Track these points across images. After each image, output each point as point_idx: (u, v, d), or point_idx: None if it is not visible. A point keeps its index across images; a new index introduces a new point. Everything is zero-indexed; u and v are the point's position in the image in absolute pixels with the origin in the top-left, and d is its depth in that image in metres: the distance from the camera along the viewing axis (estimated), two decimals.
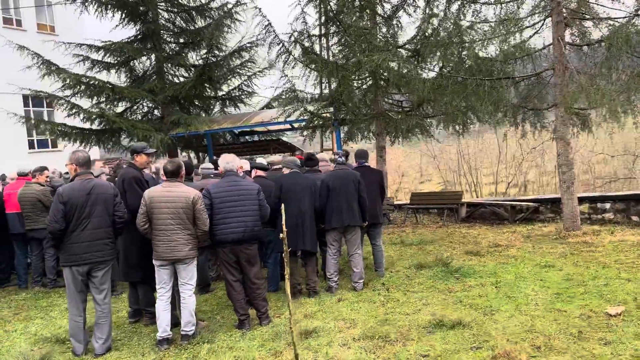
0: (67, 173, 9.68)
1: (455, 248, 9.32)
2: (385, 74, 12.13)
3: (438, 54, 11.93)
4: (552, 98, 10.58)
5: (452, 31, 11.64)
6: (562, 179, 9.79)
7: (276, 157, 8.37)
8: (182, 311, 5.24)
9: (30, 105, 19.28)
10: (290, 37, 13.65)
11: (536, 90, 10.83)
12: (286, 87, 14.11)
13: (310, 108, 12.29)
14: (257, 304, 5.68)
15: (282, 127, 15.69)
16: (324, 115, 12.41)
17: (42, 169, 8.54)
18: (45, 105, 17.47)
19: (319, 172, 7.39)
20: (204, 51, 15.46)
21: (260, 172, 7.19)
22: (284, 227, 4.15)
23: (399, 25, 13.90)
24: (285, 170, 6.81)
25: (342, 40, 13.38)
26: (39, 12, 20.03)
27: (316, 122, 12.35)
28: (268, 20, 13.94)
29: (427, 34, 12.74)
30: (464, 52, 11.42)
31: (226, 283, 5.64)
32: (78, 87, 14.90)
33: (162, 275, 5.22)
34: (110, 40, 15.27)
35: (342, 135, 14.30)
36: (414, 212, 13.82)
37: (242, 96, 17.09)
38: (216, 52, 15.98)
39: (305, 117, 12.26)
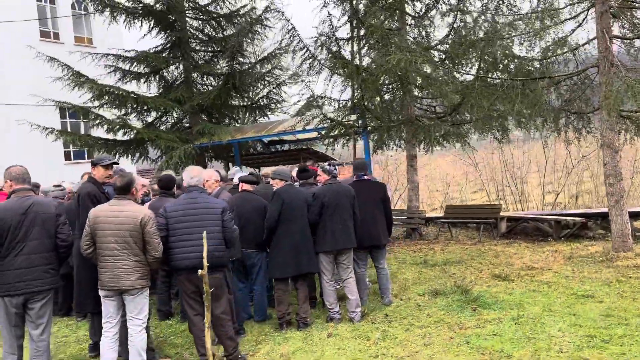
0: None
1: (482, 270, 8.24)
2: (414, 77, 11.18)
3: (474, 54, 10.88)
4: (598, 100, 9.32)
5: (489, 29, 10.58)
6: (610, 191, 8.51)
7: (270, 169, 7.61)
8: (130, 350, 4.53)
9: (67, 117, 19.45)
10: (316, 42, 12.92)
11: (580, 92, 9.59)
12: (306, 93, 13.35)
13: (331, 115, 11.46)
14: (224, 343, 4.90)
15: (308, 135, 14.95)
16: (347, 122, 11.55)
17: None
18: (82, 117, 17.44)
19: (315, 185, 6.57)
20: (229, 59, 14.94)
21: (247, 186, 6.41)
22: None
23: (432, 24, 12.94)
24: (279, 183, 6.02)
25: (369, 42, 12.52)
26: (76, 25, 20.27)
27: (338, 130, 11.51)
28: (291, 24, 13.28)
29: (460, 32, 11.74)
30: (499, 52, 10.32)
31: (187, 317, 4.90)
32: (105, 97, 14.73)
33: (107, 308, 4.55)
34: (134, 50, 15.03)
35: (370, 143, 13.43)
36: (448, 227, 12.70)
37: (271, 104, 16.49)
38: (242, 59, 15.46)
39: (325, 125, 11.43)
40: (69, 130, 13.83)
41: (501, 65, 10.49)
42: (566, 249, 9.48)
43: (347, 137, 12.00)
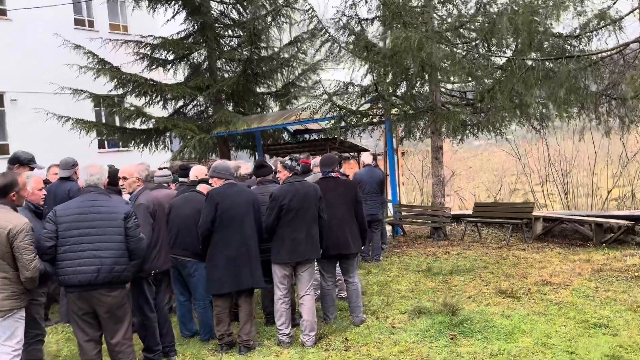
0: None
1: (489, 283, 7.09)
2: (436, 59, 10.00)
3: (508, 33, 9.58)
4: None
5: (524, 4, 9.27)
6: None
7: (234, 163, 6.73)
8: None
9: (101, 106, 19.44)
10: (337, 22, 11.91)
11: (622, 74, 8.12)
12: (328, 80, 12.37)
13: (339, 102, 10.45)
14: None
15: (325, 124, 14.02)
16: (361, 110, 10.52)
17: None
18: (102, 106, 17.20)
19: (274, 183, 5.69)
20: (248, 44, 14.18)
21: (203, 187, 5.57)
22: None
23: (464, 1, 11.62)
24: (217, 182, 5.18)
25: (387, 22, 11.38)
26: (111, 13, 20.18)
27: (349, 119, 10.49)
28: (309, 5, 12.36)
29: (490, 6, 10.47)
30: (539, 28, 8.98)
31: (77, 343, 4.19)
32: (129, 85, 14.41)
33: None
34: (160, 37, 14.59)
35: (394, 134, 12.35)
36: (476, 226, 11.45)
37: (297, 92, 15.64)
38: (264, 45, 14.69)
39: (335, 114, 10.43)
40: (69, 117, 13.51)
41: (535, 45, 9.17)
42: (600, 259, 8.10)
43: (360, 126, 10.96)
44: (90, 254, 3.97)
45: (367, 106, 10.62)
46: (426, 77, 10.30)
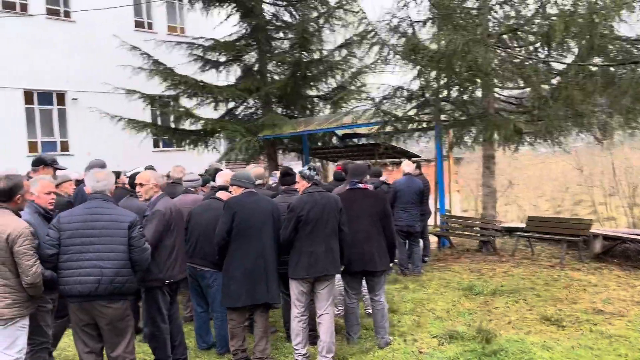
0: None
1: (533, 307, 6.52)
2: (487, 63, 9.44)
3: (572, 35, 8.94)
4: None
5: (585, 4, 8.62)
6: None
7: (256, 169, 6.40)
8: None
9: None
10: (388, 24, 11.54)
11: None
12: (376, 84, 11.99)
13: (384, 107, 10.03)
14: None
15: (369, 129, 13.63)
16: (408, 116, 10.09)
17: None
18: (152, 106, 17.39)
19: (296, 192, 5.41)
20: (297, 46, 14.01)
21: (223, 194, 5.36)
22: None
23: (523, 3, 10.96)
24: (237, 191, 4.96)
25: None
26: (170, 15, 20.59)
27: (392, 125, 10.07)
28: (358, 6, 12.06)
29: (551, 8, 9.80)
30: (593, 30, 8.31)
31: (78, 353, 4.06)
32: (181, 87, 14.57)
33: None
34: (212, 38, 14.69)
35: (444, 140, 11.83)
36: (528, 241, 10.74)
37: (347, 95, 15.32)
38: (313, 47, 14.48)
39: (378, 119, 10.04)
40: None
41: (596, 49, 8.47)
42: None
43: (407, 132, 10.51)
44: (91, 264, 3.83)
45: (413, 111, 10.17)
46: (477, 81, 9.73)
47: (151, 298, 4.58)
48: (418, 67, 9.34)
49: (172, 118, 14.29)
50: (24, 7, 16.77)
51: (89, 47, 17.64)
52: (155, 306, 4.58)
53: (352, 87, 15.27)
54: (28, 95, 16.92)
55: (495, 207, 11.14)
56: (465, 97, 10.39)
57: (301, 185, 5.06)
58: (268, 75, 15.17)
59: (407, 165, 8.85)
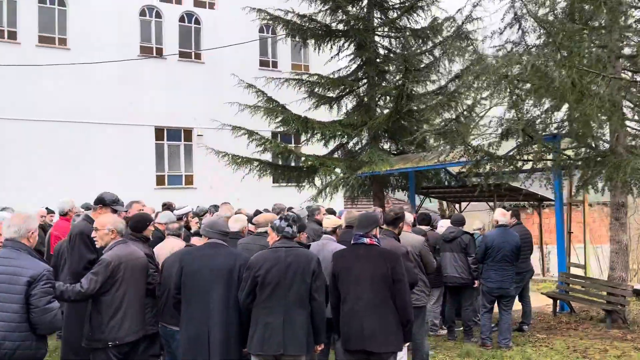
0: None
1: None
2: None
3: None
4: None
5: None
6: None
7: (264, 216, 5.48)
8: None
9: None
10: (499, 50, 10.19)
11: None
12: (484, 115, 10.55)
13: (475, 143, 8.60)
14: None
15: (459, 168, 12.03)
16: (505, 155, 8.55)
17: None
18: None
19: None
20: (401, 77, 13.04)
21: (196, 240, 4.63)
22: None
23: None
24: (198, 242, 4.22)
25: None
26: (294, 53, 20.90)
27: (488, 164, 8.58)
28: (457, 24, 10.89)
29: None
30: None
31: None
32: (291, 124, 14.38)
33: None
34: (314, 73, 14.46)
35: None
36: None
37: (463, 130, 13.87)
38: (423, 79, 13.44)
39: (470, 158, 8.61)
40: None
41: None
42: None
43: (510, 173, 8.92)
44: None
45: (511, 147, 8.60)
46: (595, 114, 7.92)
47: None
48: (510, 96, 7.82)
49: (273, 154, 14.10)
50: (159, 51, 18.15)
51: (215, 86, 18.49)
52: None
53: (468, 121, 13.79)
54: (159, 132, 18.14)
55: (628, 267, 8.94)
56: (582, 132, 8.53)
57: (270, 238, 4.16)
58: (378, 110, 14.39)
59: (501, 215, 7.38)
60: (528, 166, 9.76)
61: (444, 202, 18.92)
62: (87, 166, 16.42)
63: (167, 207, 8.23)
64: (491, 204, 14.20)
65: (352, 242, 4.36)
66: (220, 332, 3.93)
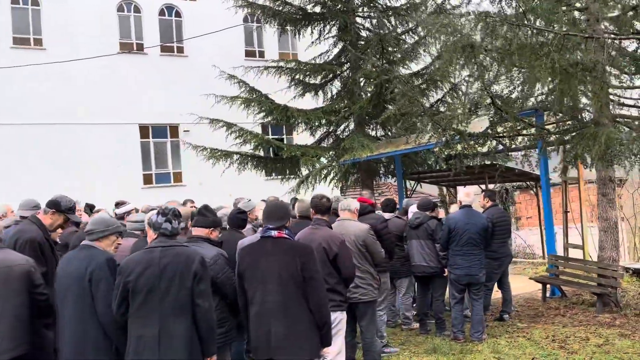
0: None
1: None
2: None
3: None
4: None
5: None
6: None
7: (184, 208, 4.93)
8: None
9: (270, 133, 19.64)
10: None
11: None
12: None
13: (461, 127, 7.84)
14: None
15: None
16: (479, 133, 7.93)
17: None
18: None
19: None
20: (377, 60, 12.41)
21: (121, 240, 4.13)
22: None
23: None
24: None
25: None
26: (282, 42, 20.27)
27: (460, 144, 7.97)
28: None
29: None
30: None
31: None
32: (273, 114, 13.87)
33: None
34: (292, 59, 13.92)
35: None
36: None
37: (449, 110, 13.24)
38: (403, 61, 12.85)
39: (440, 138, 7.97)
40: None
41: None
42: None
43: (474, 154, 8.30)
44: None
45: (483, 126, 7.97)
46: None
47: None
48: (472, 66, 7.17)
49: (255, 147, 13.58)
50: (140, 47, 17.71)
51: (200, 80, 17.96)
52: None
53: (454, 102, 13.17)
54: (143, 130, 17.73)
55: (619, 245, 8.30)
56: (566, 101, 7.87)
57: (149, 237, 3.66)
58: (364, 95, 13.81)
59: (465, 195, 6.81)
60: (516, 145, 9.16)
61: (444, 188, 18.31)
62: (74, 168, 16.07)
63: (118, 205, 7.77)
64: (483, 186, 13.55)
65: (260, 235, 3.85)
66: (71, 354, 3.45)
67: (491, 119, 7.73)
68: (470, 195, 6.68)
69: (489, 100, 7.46)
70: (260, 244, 3.74)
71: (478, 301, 6.60)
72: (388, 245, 6.33)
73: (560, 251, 13.49)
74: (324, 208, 4.83)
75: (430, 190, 21.12)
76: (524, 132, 8.02)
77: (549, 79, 7.25)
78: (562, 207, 10.83)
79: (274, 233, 3.69)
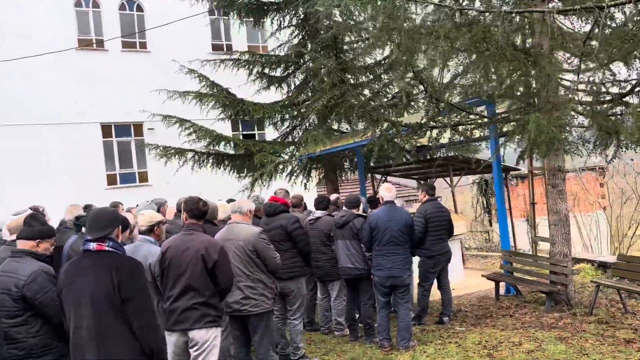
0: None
1: None
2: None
3: None
4: None
5: None
6: None
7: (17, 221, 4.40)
8: None
9: (240, 130, 19.09)
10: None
11: None
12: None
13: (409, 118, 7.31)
14: None
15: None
16: (413, 124, 7.37)
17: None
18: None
19: None
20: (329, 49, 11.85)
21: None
22: None
23: None
24: None
25: None
26: (251, 35, 19.68)
27: (394, 136, 7.40)
28: None
29: None
30: None
31: None
32: (230, 108, 13.33)
33: None
34: (246, 51, 13.39)
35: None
36: (618, 293, 7.21)
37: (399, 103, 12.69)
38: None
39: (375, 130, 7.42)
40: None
41: None
42: None
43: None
44: None
45: (419, 116, 7.42)
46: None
47: None
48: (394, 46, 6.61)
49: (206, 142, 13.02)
50: (99, 43, 17.14)
51: (164, 76, 17.39)
52: None
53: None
54: (106, 129, 17.19)
55: (570, 239, 7.76)
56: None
57: None
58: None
59: (386, 190, 6.26)
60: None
61: (422, 182, 17.77)
62: (34, 170, 15.57)
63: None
64: (449, 179, 13.02)
65: (82, 248, 3.32)
66: None
67: (426, 108, 7.17)
68: (391, 190, 6.14)
69: (422, 87, 6.92)
70: (80, 259, 3.22)
71: (404, 305, 6.08)
72: (303, 247, 5.86)
73: (526, 245, 12.96)
74: (200, 213, 4.32)
75: (411, 183, 20.65)
76: (465, 121, 7.43)
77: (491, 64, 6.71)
78: (529, 198, 10.36)
79: (92, 246, 3.16)
